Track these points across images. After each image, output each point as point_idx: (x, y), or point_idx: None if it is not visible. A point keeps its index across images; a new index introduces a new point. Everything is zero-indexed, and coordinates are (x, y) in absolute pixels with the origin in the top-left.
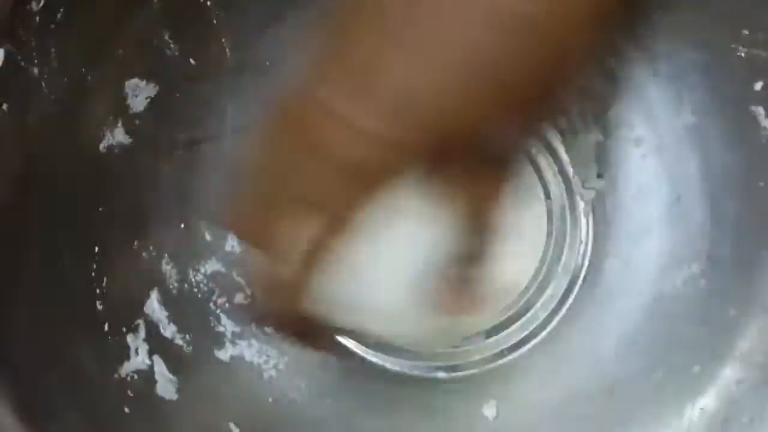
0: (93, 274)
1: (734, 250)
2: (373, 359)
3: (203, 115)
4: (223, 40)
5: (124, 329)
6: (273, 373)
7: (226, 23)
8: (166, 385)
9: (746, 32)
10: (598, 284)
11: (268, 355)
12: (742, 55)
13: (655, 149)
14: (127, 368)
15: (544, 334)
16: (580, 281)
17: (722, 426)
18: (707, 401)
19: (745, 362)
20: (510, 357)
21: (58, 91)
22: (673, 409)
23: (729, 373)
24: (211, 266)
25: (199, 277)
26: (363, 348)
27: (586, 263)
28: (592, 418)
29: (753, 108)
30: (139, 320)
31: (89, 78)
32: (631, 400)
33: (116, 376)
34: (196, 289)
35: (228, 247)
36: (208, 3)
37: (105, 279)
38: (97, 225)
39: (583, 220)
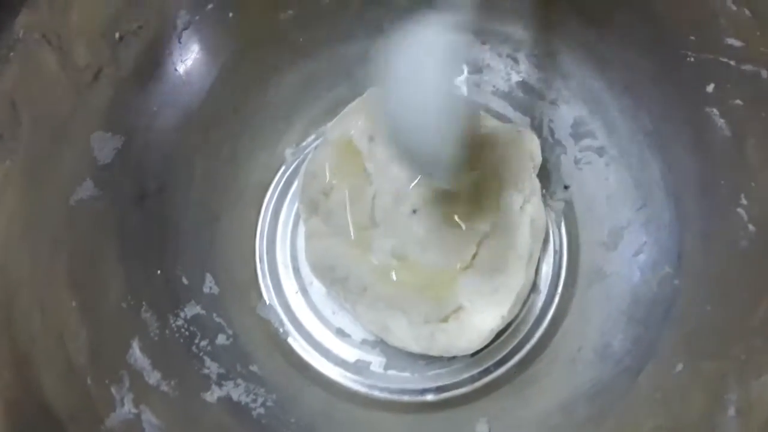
0: (72, 327)
1: (703, 248)
2: (361, 389)
3: (170, 162)
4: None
5: (107, 381)
6: (262, 411)
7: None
8: None
9: (693, 38)
10: (575, 294)
11: (255, 394)
12: (692, 59)
13: (618, 157)
14: (113, 419)
15: (528, 347)
16: (558, 293)
17: (707, 420)
18: (692, 396)
19: (726, 356)
20: (496, 373)
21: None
22: (660, 407)
23: (710, 368)
24: (191, 310)
25: (180, 321)
26: (350, 377)
27: (563, 274)
28: (582, 425)
29: (707, 109)
30: (122, 371)
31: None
32: (616, 404)
33: (102, 428)
34: (177, 334)
35: (206, 289)
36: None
37: (84, 332)
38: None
39: (556, 232)
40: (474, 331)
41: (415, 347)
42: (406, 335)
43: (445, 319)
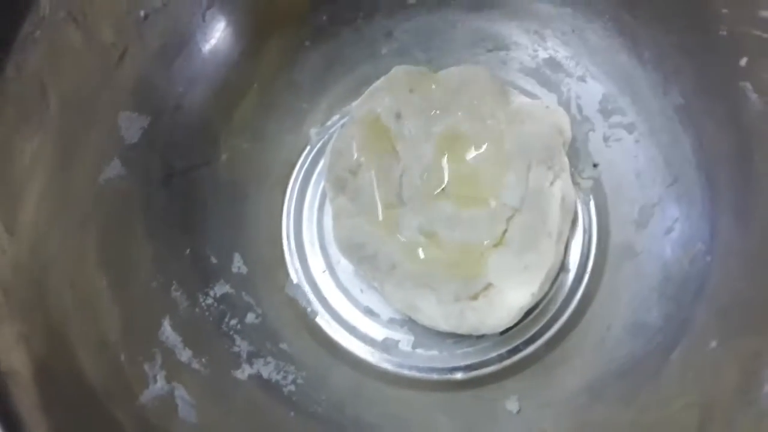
0: (104, 306)
1: (736, 224)
2: (389, 367)
3: (196, 142)
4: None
5: (140, 358)
6: (292, 388)
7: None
8: (187, 408)
9: (726, 11)
10: (605, 273)
11: (285, 371)
12: (725, 33)
13: (648, 133)
14: (147, 395)
15: (557, 326)
16: (588, 272)
17: (741, 396)
18: (727, 375)
19: (760, 333)
20: (526, 352)
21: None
22: (694, 385)
23: (744, 345)
24: (220, 289)
25: (209, 300)
26: (378, 356)
27: (593, 252)
28: (613, 402)
29: (741, 84)
30: (154, 348)
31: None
32: (646, 382)
33: (137, 404)
34: (207, 313)
35: (235, 269)
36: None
37: (116, 309)
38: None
39: (585, 210)
40: (503, 309)
41: (444, 325)
42: (435, 313)
43: (474, 297)
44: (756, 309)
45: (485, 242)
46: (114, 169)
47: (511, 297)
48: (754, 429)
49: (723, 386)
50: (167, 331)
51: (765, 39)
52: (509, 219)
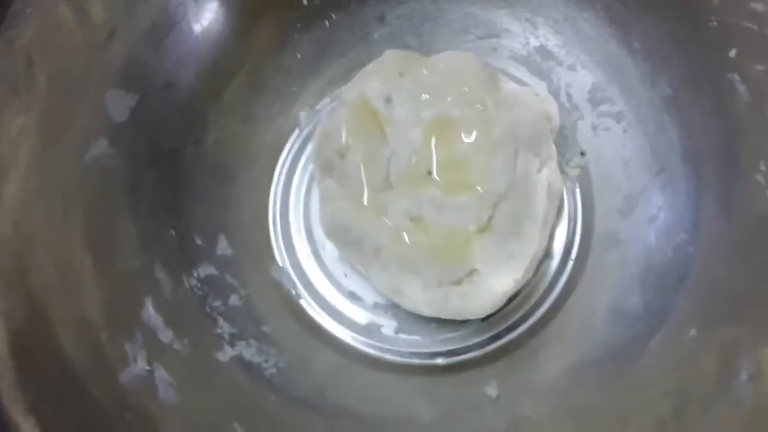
0: (87, 283)
1: (720, 215)
2: (371, 351)
3: (185, 121)
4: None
5: (121, 337)
6: (273, 371)
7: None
8: (166, 389)
9: (716, 1)
10: (588, 260)
11: (267, 354)
12: (715, 24)
13: (636, 123)
14: (127, 375)
15: (539, 313)
16: (571, 258)
17: (718, 385)
18: (705, 363)
19: (740, 323)
20: (507, 338)
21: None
22: (671, 373)
23: (724, 333)
24: (204, 270)
25: (193, 281)
26: (361, 340)
27: (577, 240)
28: (591, 389)
29: (729, 75)
30: (136, 328)
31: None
32: (626, 369)
33: (117, 383)
34: (190, 294)
35: (219, 251)
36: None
37: (98, 288)
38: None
39: (570, 198)
40: (487, 294)
41: (428, 310)
42: (419, 297)
43: (458, 282)
44: (735, 299)
45: (471, 228)
46: (101, 147)
47: (495, 282)
48: (730, 417)
49: (701, 374)
50: (149, 311)
51: (755, 31)
52: (495, 205)
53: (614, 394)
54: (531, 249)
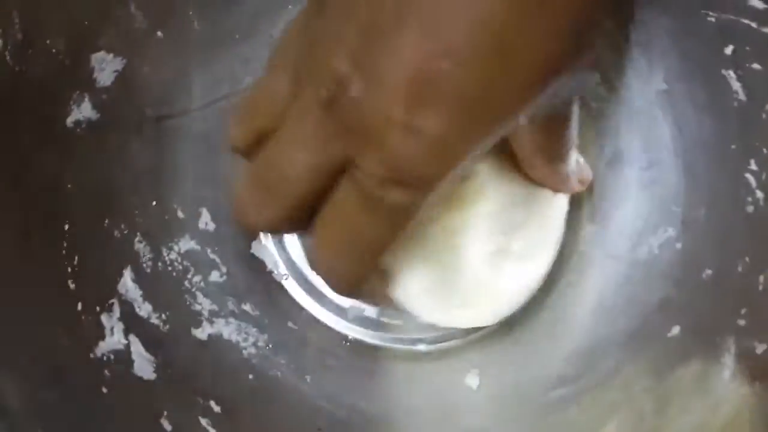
0: (63, 252)
1: (709, 212)
2: (353, 334)
3: (171, 90)
4: (190, 12)
5: (98, 308)
6: (252, 350)
7: None
8: (143, 364)
9: None
10: (575, 252)
11: (246, 333)
12: (713, 20)
13: (628, 116)
14: (102, 348)
15: (524, 306)
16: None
17: (700, 383)
18: (687, 362)
19: (724, 322)
20: (491, 328)
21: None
22: (653, 370)
23: (707, 332)
24: (185, 244)
25: (173, 255)
26: (343, 323)
27: (564, 233)
28: (573, 383)
29: (724, 72)
30: (113, 299)
31: (54, 50)
32: (610, 364)
33: (92, 356)
34: (170, 268)
35: (202, 225)
36: None
37: (76, 257)
38: (66, 202)
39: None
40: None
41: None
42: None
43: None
44: (720, 297)
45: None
46: (84, 111)
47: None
48: (711, 415)
49: (683, 372)
50: (128, 283)
51: (752, 28)
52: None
53: (596, 390)
54: (542, 272)
